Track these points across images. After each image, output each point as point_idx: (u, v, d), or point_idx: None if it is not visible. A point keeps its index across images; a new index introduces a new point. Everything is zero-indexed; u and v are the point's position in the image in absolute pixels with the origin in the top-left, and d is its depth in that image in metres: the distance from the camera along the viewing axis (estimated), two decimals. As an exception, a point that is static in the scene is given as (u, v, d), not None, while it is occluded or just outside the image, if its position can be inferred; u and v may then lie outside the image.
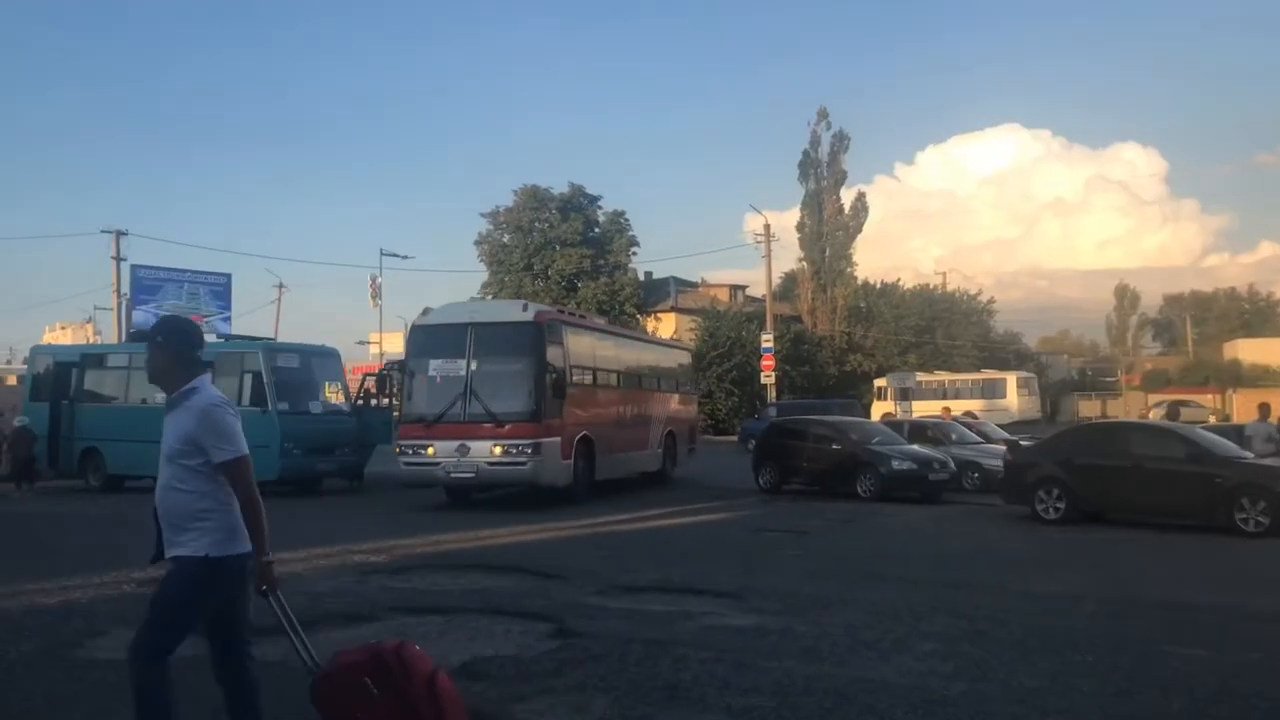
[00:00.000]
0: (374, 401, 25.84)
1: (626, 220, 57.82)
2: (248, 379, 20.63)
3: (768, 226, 50.18)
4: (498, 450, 17.25)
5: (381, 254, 57.52)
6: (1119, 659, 7.40)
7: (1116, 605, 9.39)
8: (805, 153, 59.32)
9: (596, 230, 57.56)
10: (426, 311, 19.10)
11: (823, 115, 59.14)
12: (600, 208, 58.15)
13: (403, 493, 20.13)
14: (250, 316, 77.21)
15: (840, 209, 58.90)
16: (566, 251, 55.69)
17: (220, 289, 50.11)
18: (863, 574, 11.25)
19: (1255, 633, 8.36)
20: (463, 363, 17.65)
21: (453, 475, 17.50)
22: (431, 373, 17.93)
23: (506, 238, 57.68)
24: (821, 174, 59.00)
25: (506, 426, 17.23)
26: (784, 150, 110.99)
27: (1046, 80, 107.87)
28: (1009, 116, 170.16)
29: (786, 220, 65.26)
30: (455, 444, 17.31)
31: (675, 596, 9.80)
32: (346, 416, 22.17)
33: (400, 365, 18.96)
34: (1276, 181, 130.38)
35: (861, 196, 59.77)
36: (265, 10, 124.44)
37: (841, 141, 59.16)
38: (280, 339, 31.10)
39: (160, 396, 4.97)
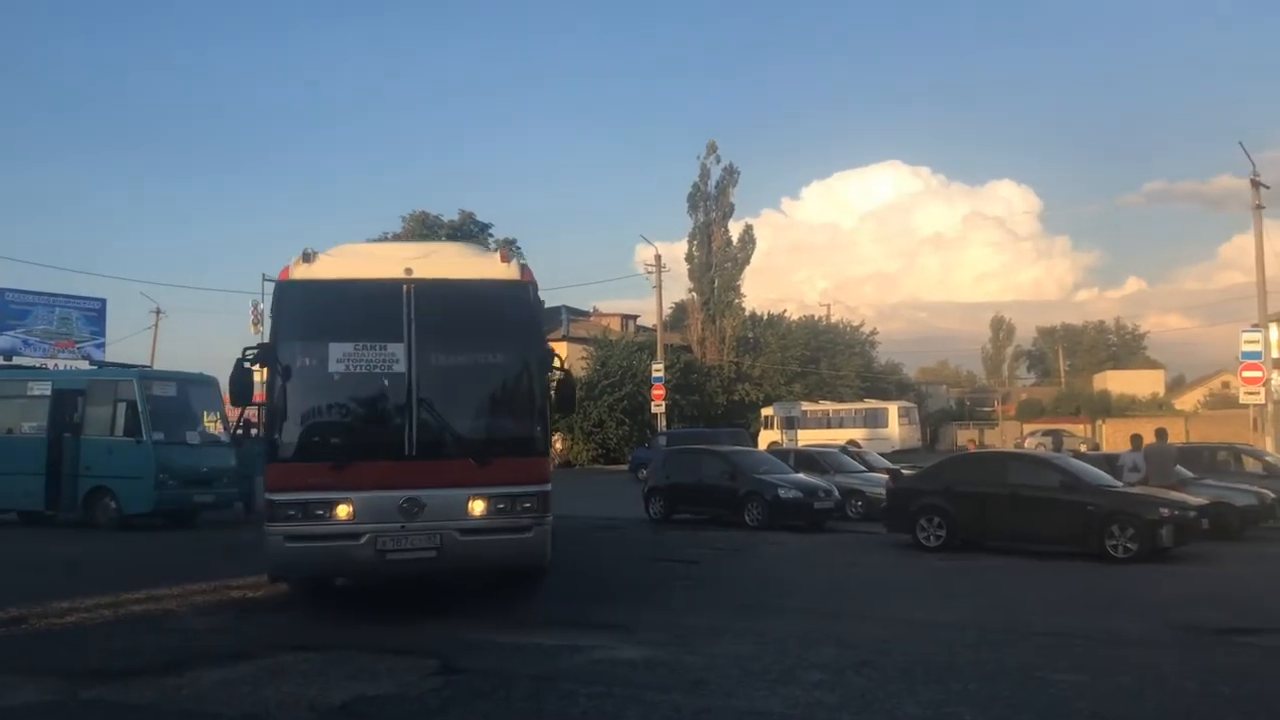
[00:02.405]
0: (255, 431, 25.17)
1: (518, 248, 57.66)
2: (121, 408, 19.86)
3: (659, 257, 50.50)
4: (479, 507, 10.01)
5: (264, 279, 56.11)
6: (999, 687, 7.56)
7: (996, 632, 9.61)
8: (695, 185, 60.00)
9: (486, 258, 57.31)
10: (310, 257, 10.36)
11: (712, 149, 59.98)
12: (492, 235, 58.01)
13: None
14: (126, 343, 74.87)
15: (729, 241, 59.67)
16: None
17: (94, 314, 48.29)
18: (751, 603, 11.32)
19: (1125, 657, 8.63)
20: (399, 350, 10.05)
21: (392, 556, 9.80)
22: (336, 366, 10.04)
23: (394, 264, 57.00)
24: (711, 207, 59.73)
25: (492, 463, 10.09)
26: (675, 182, 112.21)
27: (927, 119, 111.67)
28: (891, 154, 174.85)
29: (677, 251, 65.79)
30: (395, 498, 9.80)
31: (563, 630, 9.72)
32: (226, 447, 21.50)
33: (264, 353, 10.23)
34: (1141, 221, 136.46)
35: (749, 229, 60.68)
36: (136, 34, 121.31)
37: (730, 175, 60.03)
38: (157, 366, 30.10)
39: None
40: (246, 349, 10.33)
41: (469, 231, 56.86)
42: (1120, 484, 16.55)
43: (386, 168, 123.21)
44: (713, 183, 59.86)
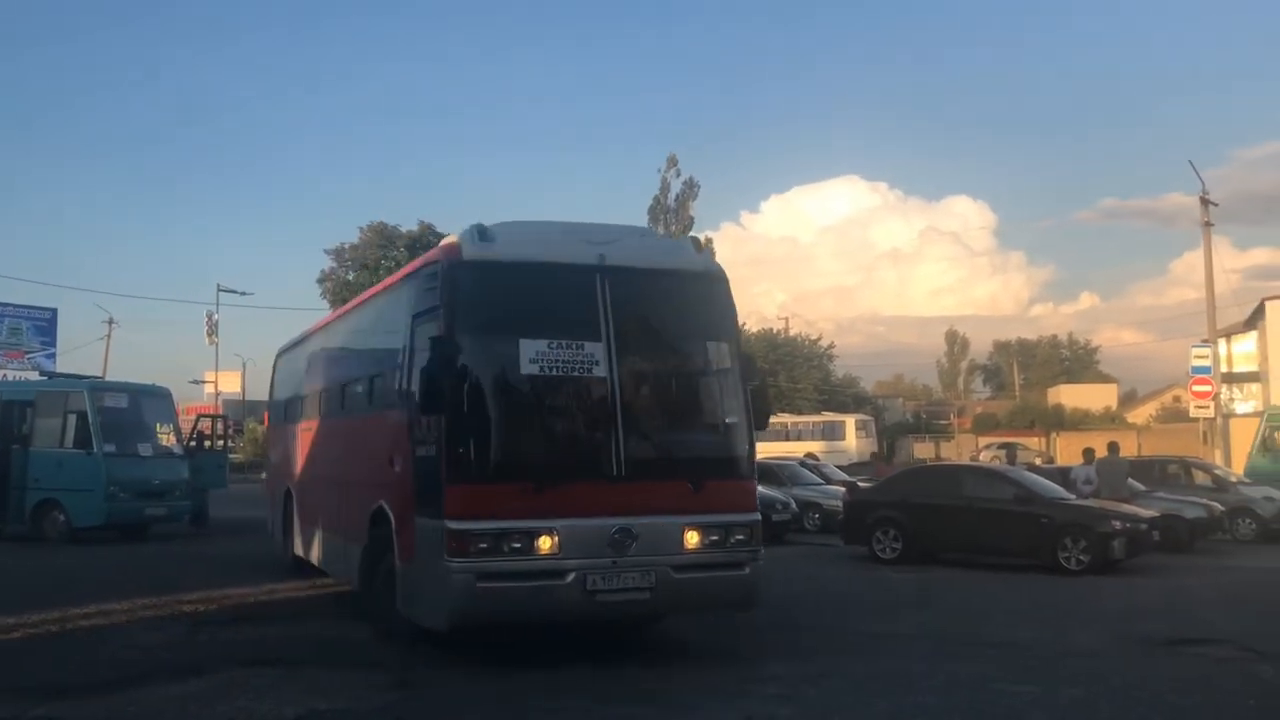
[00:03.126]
0: (208, 443, 24.89)
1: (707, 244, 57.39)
2: (72, 419, 19.52)
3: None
4: (693, 539, 8.63)
5: (219, 289, 55.73)
6: (954, 698, 7.62)
7: (951, 644, 9.68)
8: (656, 198, 60.12)
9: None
10: (486, 232, 8.80)
11: (673, 162, 60.14)
12: (449, 247, 57.64)
13: (241, 537, 19.29)
14: (78, 353, 73.74)
15: (688, 254, 59.77)
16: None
17: (45, 324, 47.65)
18: (709, 617, 11.29)
19: (1078, 668, 8.72)
20: (598, 350, 8.57)
21: (602, 598, 8.30)
22: (529, 367, 8.44)
23: (352, 275, 56.48)
24: (671, 220, 59.84)
25: (705, 487, 8.74)
26: (635, 195, 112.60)
27: (885, 134, 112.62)
28: (849, 169, 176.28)
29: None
30: (605, 527, 8.33)
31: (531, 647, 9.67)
32: (178, 459, 21.24)
33: (438, 349, 8.25)
34: (1095, 237, 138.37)
35: (709, 242, 60.72)
36: (88, 40, 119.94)
37: (690, 188, 60.21)
38: (110, 377, 29.68)
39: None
40: (434, 340, 8.29)
41: (428, 243, 56.49)
42: (1073, 497, 16.77)
43: (344, 178, 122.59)
44: (673, 196, 60.03)
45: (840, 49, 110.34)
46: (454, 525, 8.02)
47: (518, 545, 8.08)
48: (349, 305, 14.20)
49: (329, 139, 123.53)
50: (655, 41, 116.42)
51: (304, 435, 14.31)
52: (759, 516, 9.10)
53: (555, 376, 8.45)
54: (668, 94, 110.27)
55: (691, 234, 59.40)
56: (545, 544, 8.12)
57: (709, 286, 9.29)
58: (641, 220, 59.80)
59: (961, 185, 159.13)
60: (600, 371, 8.48)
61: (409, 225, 56.23)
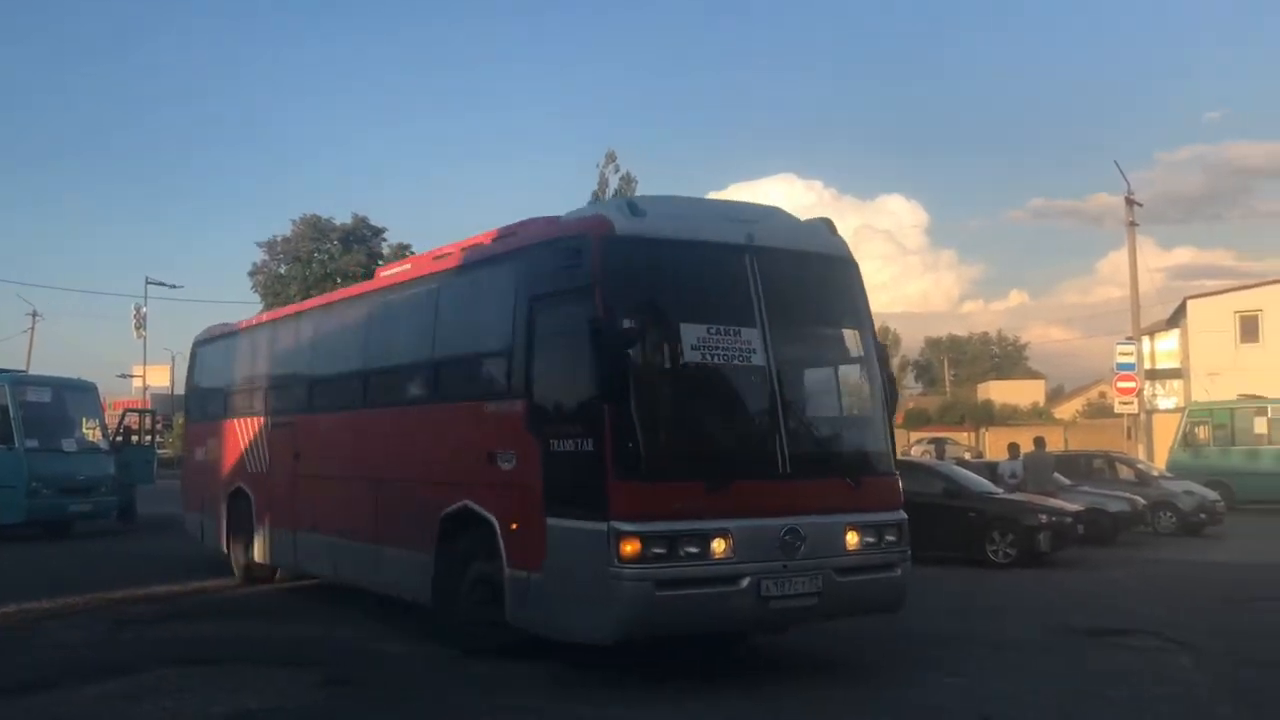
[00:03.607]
0: (135, 439, 24.44)
1: (413, 253, 56.93)
2: (-8, 414, 19.09)
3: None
4: (853, 539, 8.16)
5: (147, 282, 54.58)
6: (883, 690, 7.72)
7: (880, 637, 9.78)
8: (594, 194, 59.75)
9: (380, 263, 56.41)
10: (637, 207, 8.18)
11: (611, 158, 59.60)
12: (385, 240, 57.10)
13: (169, 533, 18.90)
14: (0, 346, 71.88)
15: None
16: (349, 285, 54.28)
17: (-37, 315, 46.33)
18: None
19: (1006, 660, 8.88)
20: (754, 337, 8.03)
21: (775, 604, 7.71)
22: (691, 355, 7.81)
23: (284, 268, 55.81)
24: (607, 215, 59.80)
25: (861, 484, 8.34)
26: (574, 191, 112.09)
27: (820, 133, 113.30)
28: (785, 167, 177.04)
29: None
30: (776, 528, 7.74)
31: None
32: (104, 455, 20.83)
33: (598, 332, 7.48)
34: (1024, 236, 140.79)
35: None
36: (18, 34, 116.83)
37: (629, 184, 59.97)
38: (33, 371, 28.97)
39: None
40: (593, 324, 7.49)
41: (362, 236, 55.96)
42: (1000, 491, 17.05)
43: (275, 171, 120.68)
44: (611, 191, 59.88)
45: (777, 48, 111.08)
46: (626, 527, 7.23)
47: (694, 549, 7.38)
48: (364, 287, 12.25)
49: (258, 132, 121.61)
50: (598, 37, 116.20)
51: (282, 431, 12.64)
52: (905, 515, 8.52)
53: (716, 365, 7.92)
54: (606, 90, 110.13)
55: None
56: (719, 547, 7.45)
57: (847, 271, 8.93)
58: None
59: (895, 184, 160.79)
60: (758, 360, 7.96)
61: (342, 218, 55.63)
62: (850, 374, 8.96)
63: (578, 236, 8.04)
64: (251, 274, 56.65)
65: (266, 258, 56.36)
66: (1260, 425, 29.50)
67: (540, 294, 8.29)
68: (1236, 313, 38.10)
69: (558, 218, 8.77)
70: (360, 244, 55.53)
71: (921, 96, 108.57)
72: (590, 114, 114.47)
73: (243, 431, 13.85)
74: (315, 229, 55.24)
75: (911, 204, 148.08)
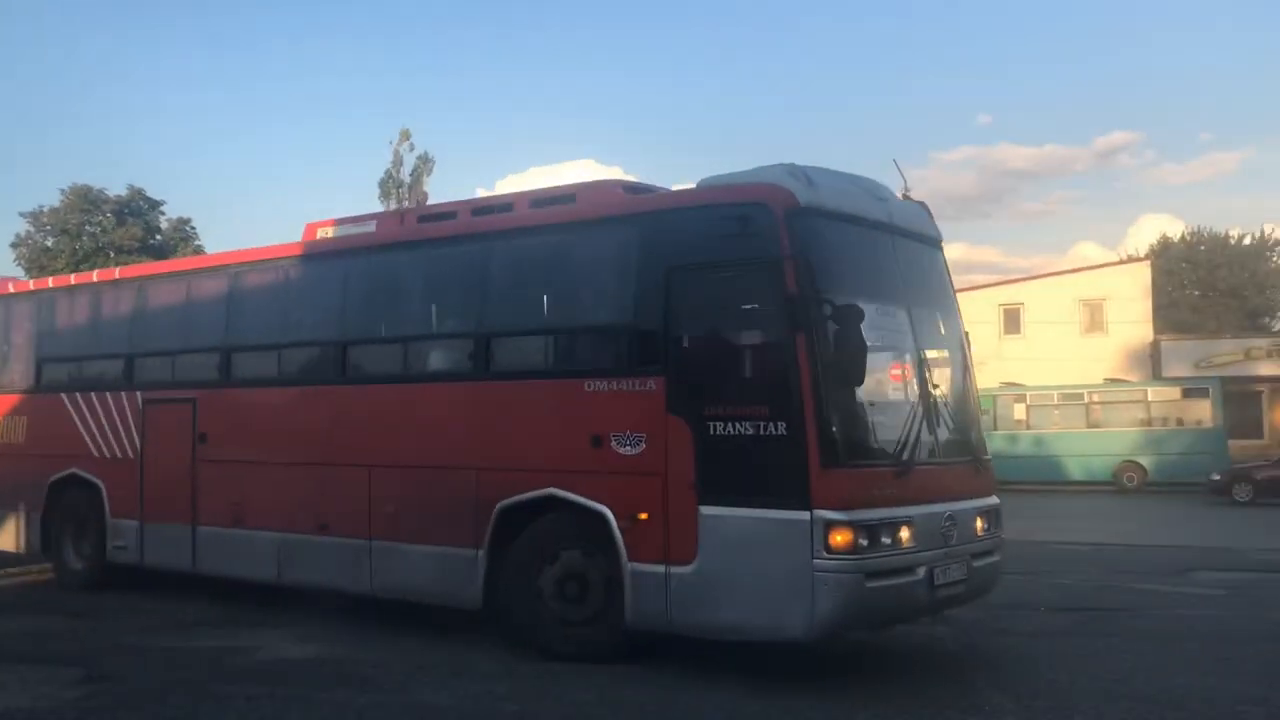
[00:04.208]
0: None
1: (193, 229, 54.17)
2: None
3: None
4: (980, 524, 8.10)
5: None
6: (665, 665, 7.87)
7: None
8: (388, 172, 58.46)
9: (159, 238, 53.56)
10: (805, 177, 7.61)
11: (405, 136, 58.57)
12: (164, 214, 54.21)
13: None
14: None
15: (421, 230, 58.80)
16: (122, 259, 51.32)
17: None
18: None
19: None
20: (904, 320, 8.03)
21: (940, 593, 7.53)
22: (871, 335, 7.33)
23: (50, 241, 52.28)
24: (404, 195, 58.60)
25: (982, 468, 8.43)
26: (366, 169, 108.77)
27: (619, 119, 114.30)
28: (585, 153, 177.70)
29: (366, 238, 63.59)
30: (940, 514, 7.59)
31: (230, 630, 9.28)
32: None
33: (790, 311, 7.11)
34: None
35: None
36: None
37: (425, 164, 58.87)
38: None
39: None
40: (789, 300, 7.06)
41: (137, 208, 52.97)
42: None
43: (41, 137, 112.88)
44: (406, 170, 58.62)
45: (574, 33, 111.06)
46: (835, 516, 6.83)
47: (886, 539, 7.06)
48: (379, 239, 10.05)
49: (23, 99, 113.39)
50: (393, 10, 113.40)
51: (168, 408, 10.74)
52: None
53: (883, 347, 7.72)
54: (400, 67, 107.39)
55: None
56: (905, 535, 7.19)
57: (943, 254, 8.79)
58: (372, 195, 58.43)
59: (693, 173, 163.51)
60: (909, 343, 7.90)
61: (117, 189, 52.56)
62: (961, 358, 8.62)
63: (754, 204, 7.42)
64: (14, 245, 52.85)
65: (32, 229, 52.69)
66: (1019, 411, 31.73)
67: (691, 263, 7.59)
68: (1001, 305, 40.50)
69: (718, 183, 7.92)
70: (136, 217, 52.57)
71: (718, 89, 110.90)
72: (390, 92, 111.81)
73: (79, 408, 11.61)
74: (86, 200, 51.96)
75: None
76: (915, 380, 7.85)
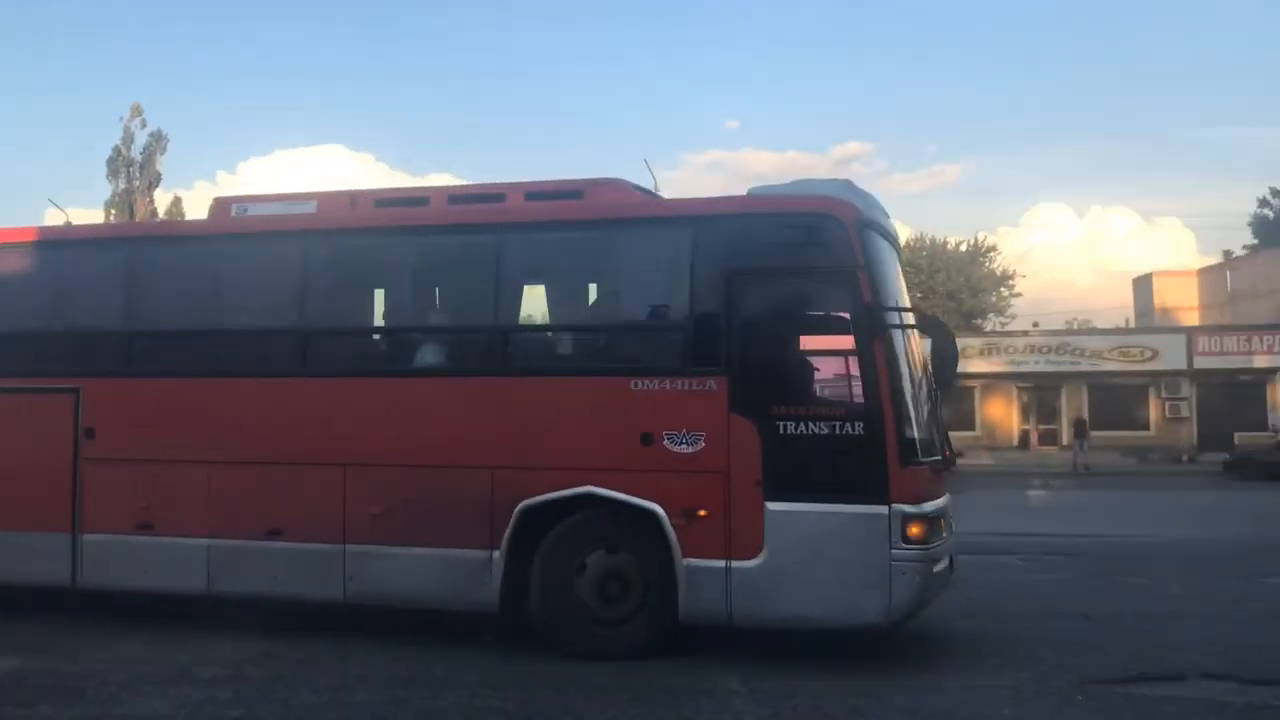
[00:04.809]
0: None
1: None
2: None
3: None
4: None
5: None
6: (396, 668, 7.77)
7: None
8: (116, 149, 55.00)
9: None
10: (863, 198, 8.35)
11: (137, 112, 55.22)
12: None
13: None
14: None
15: (154, 212, 55.51)
16: None
17: None
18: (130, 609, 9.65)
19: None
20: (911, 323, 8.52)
21: (940, 578, 8.02)
22: (909, 339, 8.35)
23: None
24: (135, 174, 55.16)
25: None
26: (93, 145, 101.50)
27: (370, 106, 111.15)
28: (334, 138, 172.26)
29: (95, 219, 59.73)
30: (948, 507, 8.31)
31: None
32: None
33: (869, 313, 7.65)
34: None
35: (178, 200, 56.80)
36: None
37: (158, 141, 55.74)
38: None
39: None
40: (867, 307, 7.57)
41: None
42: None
43: None
44: (138, 148, 55.28)
45: (322, 21, 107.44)
46: (912, 510, 7.41)
47: (938, 531, 7.73)
48: (365, 221, 9.29)
49: None
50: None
51: (33, 400, 9.46)
52: None
53: (915, 351, 8.32)
54: (134, 44, 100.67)
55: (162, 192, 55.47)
56: (943, 526, 7.87)
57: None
58: (99, 173, 54.71)
59: (446, 164, 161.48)
60: (918, 348, 8.44)
61: None
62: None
63: (824, 215, 7.83)
64: None
65: None
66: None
67: (756, 267, 7.92)
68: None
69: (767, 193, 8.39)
70: None
71: (473, 82, 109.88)
72: (117, 66, 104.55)
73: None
74: None
75: (462, 181, 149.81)
76: (926, 382, 8.42)
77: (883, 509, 7.38)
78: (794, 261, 7.90)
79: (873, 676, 7.38)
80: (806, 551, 7.50)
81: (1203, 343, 41.24)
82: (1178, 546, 15.27)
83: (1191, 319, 49.45)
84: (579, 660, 7.78)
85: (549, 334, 8.99)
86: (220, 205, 9.97)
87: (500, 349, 8.56)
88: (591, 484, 7.92)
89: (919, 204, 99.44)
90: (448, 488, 8.31)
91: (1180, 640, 8.67)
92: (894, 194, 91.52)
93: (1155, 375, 39.93)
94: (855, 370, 7.62)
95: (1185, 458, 39.27)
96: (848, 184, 8.30)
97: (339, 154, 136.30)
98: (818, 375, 8.01)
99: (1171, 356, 40.04)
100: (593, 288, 8.88)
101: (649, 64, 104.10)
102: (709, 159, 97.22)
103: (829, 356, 7.89)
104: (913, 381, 7.95)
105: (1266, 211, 57.46)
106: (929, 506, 7.61)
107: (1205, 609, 10.14)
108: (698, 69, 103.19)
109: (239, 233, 9.62)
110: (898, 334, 7.77)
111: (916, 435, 7.75)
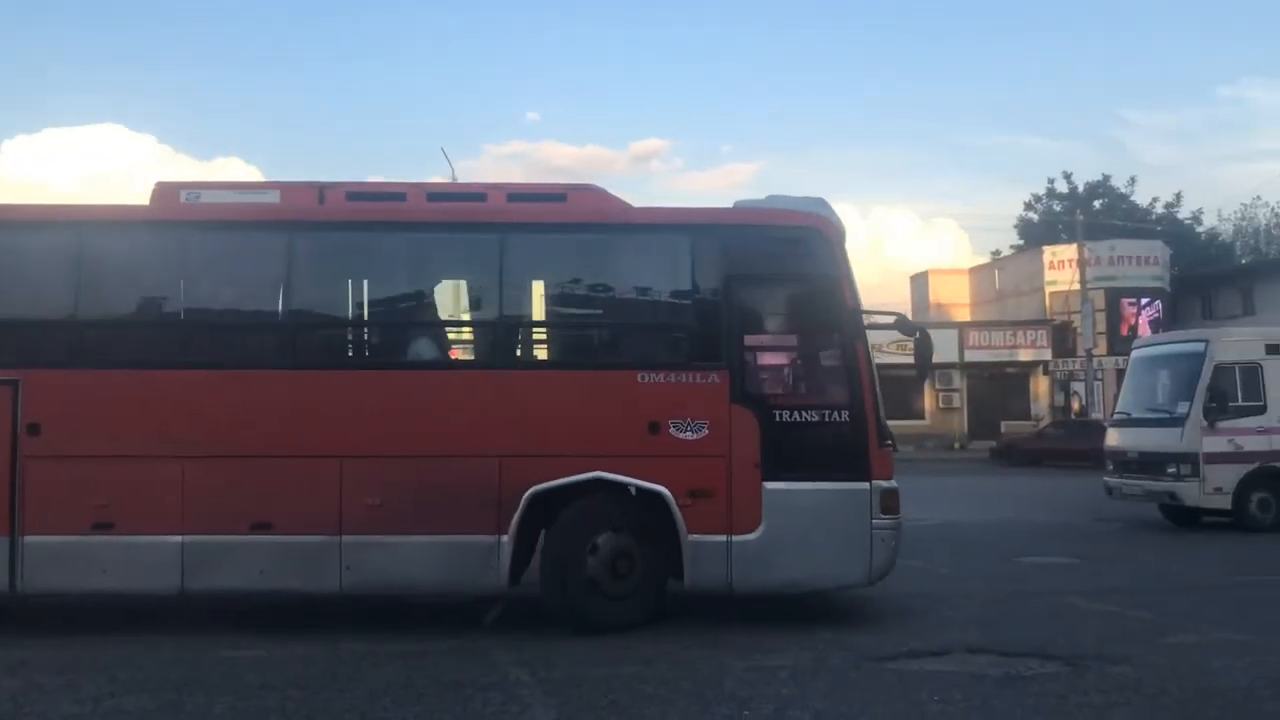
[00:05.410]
0: None
1: None
2: None
3: None
4: None
5: None
6: (173, 671, 7.42)
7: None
8: None
9: None
10: (835, 214, 9.59)
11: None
12: None
13: None
14: None
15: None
16: None
17: None
18: None
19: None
20: None
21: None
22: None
23: None
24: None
25: None
26: None
27: (152, 87, 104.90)
28: (111, 117, 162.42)
29: None
30: None
31: None
32: None
33: (852, 316, 8.94)
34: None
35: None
36: None
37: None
38: None
39: None
40: (850, 312, 8.89)
41: None
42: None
43: None
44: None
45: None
46: (886, 485, 8.66)
47: (899, 503, 8.83)
48: (365, 215, 9.30)
49: None
50: None
51: (58, 390, 8.69)
52: None
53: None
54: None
55: None
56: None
57: None
58: None
59: (234, 148, 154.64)
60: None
61: None
62: None
63: (810, 229, 9.01)
64: None
65: None
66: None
67: (751, 273, 8.93)
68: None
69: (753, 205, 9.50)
70: None
71: (263, 68, 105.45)
72: None
73: None
74: None
75: (250, 168, 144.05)
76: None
77: (865, 485, 8.59)
78: (786, 269, 9.05)
79: (659, 662, 7.50)
80: (799, 524, 8.53)
81: (973, 337, 43.90)
82: (948, 529, 16.19)
83: (963, 315, 52.18)
84: (366, 657, 7.70)
85: (562, 330, 9.47)
86: (166, 190, 9.37)
87: (503, 344, 9.08)
88: (601, 470, 8.53)
89: (715, 202, 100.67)
90: (453, 476, 8.57)
91: (948, 618, 9.18)
92: (691, 192, 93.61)
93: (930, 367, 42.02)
94: (840, 366, 8.86)
95: (956, 445, 41.71)
96: (822, 201, 9.37)
97: (118, 133, 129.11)
98: (810, 370, 9.39)
99: (944, 350, 42.31)
100: (610, 290, 9.39)
101: (452, 52, 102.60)
102: (511, 150, 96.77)
103: (818, 353, 9.28)
104: (877, 376, 8.88)
105: (1031, 215, 61.24)
106: (895, 483, 8.75)
107: (970, 588, 10.81)
108: (499, 58, 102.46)
109: (233, 220, 9.26)
110: (868, 334, 8.93)
111: (884, 422, 8.82)
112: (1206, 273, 51.36)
